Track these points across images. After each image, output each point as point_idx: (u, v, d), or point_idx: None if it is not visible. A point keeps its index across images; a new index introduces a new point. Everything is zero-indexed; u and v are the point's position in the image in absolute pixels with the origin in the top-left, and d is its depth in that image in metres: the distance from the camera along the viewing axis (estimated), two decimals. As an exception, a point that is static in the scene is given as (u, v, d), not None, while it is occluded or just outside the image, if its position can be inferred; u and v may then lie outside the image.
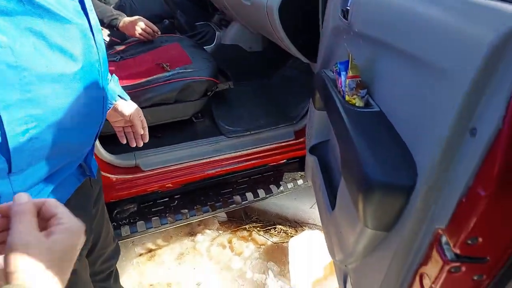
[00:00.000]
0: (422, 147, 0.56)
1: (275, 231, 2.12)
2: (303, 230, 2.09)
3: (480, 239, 0.48)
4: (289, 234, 2.10)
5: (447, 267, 0.52)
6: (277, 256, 1.97)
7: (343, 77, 0.84)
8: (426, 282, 0.59)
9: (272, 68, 2.16)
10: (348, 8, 0.95)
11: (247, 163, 1.69)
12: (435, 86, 0.52)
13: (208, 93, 1.64)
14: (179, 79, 1.52)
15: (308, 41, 1.49)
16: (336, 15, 1.07)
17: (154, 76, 1.49)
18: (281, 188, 1.79)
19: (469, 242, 0.48)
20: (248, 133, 1.70)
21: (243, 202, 1.70)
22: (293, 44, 1.54)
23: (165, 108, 1.51)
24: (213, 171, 1.63)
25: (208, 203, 1.64)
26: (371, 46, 0.82)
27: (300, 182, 1.84)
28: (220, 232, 2.09)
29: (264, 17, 1.56)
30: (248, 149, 1.67)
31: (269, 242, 2.04)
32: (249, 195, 1.72)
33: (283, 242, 2.04)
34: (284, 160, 1.85)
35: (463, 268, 0.52)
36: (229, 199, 1.69)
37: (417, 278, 0.61)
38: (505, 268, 0.51)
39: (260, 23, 1.67)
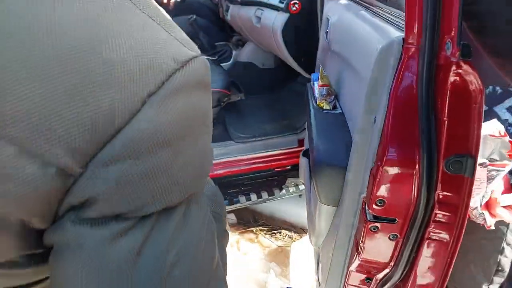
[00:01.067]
0: (353, 136, 0.72)
1: (280, 235, 2.26)
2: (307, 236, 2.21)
3: (386, 202, 0.63)
4: (293, 238, 2.23)
5: (368, 226, 0.67)
6: (280, 258, 2.10)
7: (315, 86, 1.02)
8: (359, 244, 0.73)
9: (282, 83, 2.36)
10: (327, 30, 1.14)
11: (253, 166, 1.87)
12: (358, 87, 0.69)
13: (221, 103, 1.86)
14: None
15: (308, 58, 1.68)
16: (324, 37, 1.26)
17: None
18: (283, 191, 1.95)
19: (378, 203, 0.64)
20: (255, 139, 1.89)
21: (247, 202, 1.87)
22: (295, 61, 1.74)
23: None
24: (221, 171, 1.82)
25: (217, 200, 1.82)
26: (339, 60, 1.00)
27: (302, 187, 1.99)
28: (229, 232, 2.25)
29: (271, 37, 1.77)
30: (254, 153, 1.85)
31: (273, 245, 2.18)
32: (253, 196, 1.89)
33: (287, 246, 2.17)
34: (288, 167, 2.01)
35: (380, 227, 0.67)
36: (235, 198, 1.86)
37: (353, 243, 0.76)
38: (414, 229, 0.64)
39: (268, 42, 1.89)
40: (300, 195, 2.33)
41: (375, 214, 0.66)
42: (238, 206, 1.89)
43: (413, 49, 0.50)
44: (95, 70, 0.24)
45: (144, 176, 0.27)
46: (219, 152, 1.83)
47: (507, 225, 0.75)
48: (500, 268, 0.79)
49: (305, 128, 1.99)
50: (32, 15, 0.23)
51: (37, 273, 0.32)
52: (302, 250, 2.02)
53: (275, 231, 2.27)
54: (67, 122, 0.23)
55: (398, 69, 0.52)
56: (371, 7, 0.86)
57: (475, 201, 0.58)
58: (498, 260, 0.77)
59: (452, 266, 0.61)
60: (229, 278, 0.40)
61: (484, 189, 0.58)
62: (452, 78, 0.45)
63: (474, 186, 0.52)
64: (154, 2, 0.31)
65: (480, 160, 0.54)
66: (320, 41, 1.35)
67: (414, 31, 0.48)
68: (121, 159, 0.25)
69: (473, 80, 0.45)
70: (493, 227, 0.61)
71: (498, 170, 0.58)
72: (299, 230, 2.31)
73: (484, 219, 0.60)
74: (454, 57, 0.44)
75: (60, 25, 0.23)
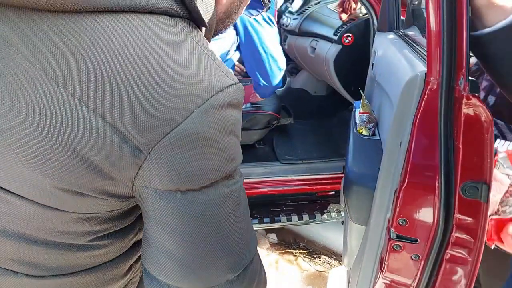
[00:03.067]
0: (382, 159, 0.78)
1: (320, 260, 2.26)
2: (346, 263, 2.18)
3: (408, 222, 0.68)
4: (332, 265, 2.21)
5: (391, 244, 0.72)
6: (317, 283, 2.10)
7: (356, 113, 1.09)
8: (383, 262, 0.77)
9: (332, 111, 2.43)
10: (373, 62, 1.21)
11: (296, 187, 1.94)
12: (390, 112, 0.75)
13: (271, 125, 1.98)
14: (249, 111, 1.90)
15: (357, 88, 1.75)
16: (371, 69, 1.33)
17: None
18: (325, 216, 1.98)
19: (400, 223, 0.68)
20: (301, 161, 1.97)
21: (287, 222, 1.93)
22: (345, 90, 1.82)
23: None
24: (266, 189, 1.92)
25: (258, 217, 1.91)
26: (380, 91, 1.06)
27: (344, 214, 2.00)
28: (269, 252, 2.31)
29: (323, 66, 1.88)
30: (299, 176, 1.93)
31: (312, 269, 2.19)
32: (294, 217, 1.94)
33: (325, 271, 2.16)
34: (332, 192, 2.04)
35: (403, 246, 0.71)
36: (276, 217, 1.94)
37: (378, 261, 0.79)
38: (434, 250, 0.68)
39: (321, 71, 1.99)
40: (342, 222, 2.32)
41: (398, 234, 0.70)
42: (278, 224, 1.95)
43: (433, 83, 0.57)
44: (168, 87, 0.37)
45: (188, 160, 0.38)
46: (264, 171, 1.94)
47: None
48: None
49: (351, 155, 2.03)
50: (150, 63, 0.37)
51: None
52: (341, 277, 2.00)
53: (315, 256, 2.27)
54: (148, 118, 0.36)
55: (420, 100, 0.59)
56: (413, 43, 0.93)
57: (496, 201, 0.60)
58: None
59: (471, 290, 0.62)
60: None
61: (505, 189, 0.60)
62: (464, 110, 0.51)
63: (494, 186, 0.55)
64: (209, 43, 0.44)
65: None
66: (368, 73, 1.43)
67: (434, 68, 0.55)
68: (173, 147, 0.37)
69: (482, 112, 0.50)
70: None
71: None
72: (339, 257, 2.28)
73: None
74: (465, 91, 0.49)
75: (159, 62, 0.37)
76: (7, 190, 0.39)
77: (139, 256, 0.56)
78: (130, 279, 0.56)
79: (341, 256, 2.35)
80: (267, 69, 1.52)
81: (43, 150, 0.36)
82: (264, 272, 0.51)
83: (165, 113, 0.36)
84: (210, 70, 0.40)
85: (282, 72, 1.60)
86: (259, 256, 0.49)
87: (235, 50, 1.59)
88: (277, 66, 1.56)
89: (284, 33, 2.39)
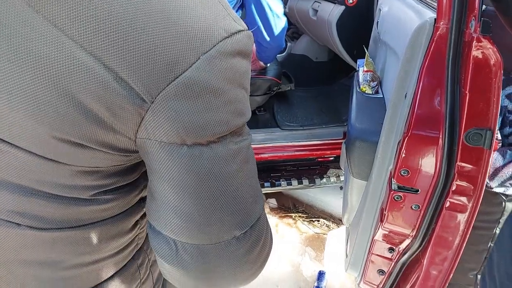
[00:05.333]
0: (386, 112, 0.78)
1: (318, 223, 2.32)
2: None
3: (410, 172, 0.69)
4: (331, 228, 2.28)
5: (392, 195, 0.73)
6: (316, 244, 2.16)
7: (360, 71, 1.08)
8: (383, 213, 0.79)
9: (333, 77, 2.40)
10: (378, 20, 1.19)
11: (297, 153, 1.96)
12: (395, 68, 0.74)
13: (271, 91, 1.97)
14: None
15: (360, 52, 1.72)
16: (375, 28, 1.30)
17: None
18: (324, 180, 2.01)
19: (402, 173, 0.69)
20: (301, 128, 1.97)
21: (287, 186, 1.96)
22: (347, 53, 1.79)
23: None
24: (266, 155, 1.93)
25: (259, 181, 1.94)
26: (385, 49, 1.05)
27: (343, 178, 2.03)
28: (269, 216, 2.36)
29: (325, 29, 1.83)
30: (299, 141, 1.94)
31: (310, 232, 2.25)
32: (294, 182, 1.97)
33: (323, 234, 2.22)
34: (331, 157, 2.06)
35: (403, 197, 0.72)
36: (277, 181, 1.97)
37: (379, 213, 0.82)
38: (434, 199, 0.69)
39: (322, 35, 1.95)
40: (341, 187, 2.36)
41: (399, 184, 0.71)
42: (279, 189, 1.99)
43: (443, 28, 0.56)
44: (172, 30, 0.34)
45: (194, 111, 0.36)
46: (265, 137, 1.95)
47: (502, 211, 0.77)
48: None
49: (351, 121, 2.03)
50: (153, 4, 0.35)
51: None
52: (339, 238, 2.07)
53: (314, 219, 2.33)
54: (150, 63, 0.34)
55: (428, 47, 0.58)
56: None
57: None
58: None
59: (467, 237, 0.64)
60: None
61: None
62: (473, 52, 0.50)
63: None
64: None
65: None
66: (372, 33, 1.40)
67: (445, 12, 0.54)
68: (178, 97, 0.35)
69: (492, 55, 0.49)
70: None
71: None
72: (337, 220, 2.34)
73: None
74: (476, 32, 0.49)
75: (163, 4, 0.35)
76: (4, 140, 0.37)
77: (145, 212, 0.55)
78: (137, 235, 0.56)
79: (339, 220, 2.41)
80: (272, 26, 1.49)
81: (37, 95, 0.34)
82: (271, 232, 0.50)
83: (169, 58, 0.34)
84: (218, 14, 0.38)
85: (284, 33, 1.58)
86: (266, 216, 0.49)
87: (236, 11, 1.55)
88: (281, 25, 1.53)
89: (285, -4, 2.32)
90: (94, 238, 0.48)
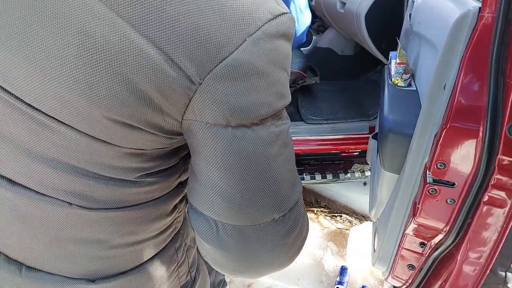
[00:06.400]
0: (422, 104, 0.77)
1: (341, 219, 2.30)
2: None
3: (446, 165, 0.68)
4: (353, 223, 2.26)
5: (426, 189, 0.72)
6: (338, 239, 2.15)
7: (392, 64, 1.06)
8: (416, 207, 0.78)
9: (360, 71, 2.36)
10: (411, 12, 1.16)
11: (321, 147, 1.94)
12: (432, 60, 0.73)
13: (296, 84, 1.96)
14: (274, 69, 1.88)
15: (388, 45, 1.68)
16: (407, 20, 1.27)
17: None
18: (348, 175, 1.99)
19: (439, 166, 0.68)
20: (326, 122, 1.96)
21: (311, 180, 1.95)
22: (375, 47, 1.75)
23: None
24: (290, 148, 1.93)
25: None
26: (418, 41, 1.02)
27: (367, 173, 2.00)
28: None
29: (353, 22, 1.80)
30: (323, 135, 1.92)
31: (333, 227, 2.24)
32: (318, 176, 1.96)
33: (346, 229, 2.21)
34: (356, 152, 2.03)
35: (438, 190, 0.71)
36: (300, 175, 1.96)
37: (411, 207, 0.81)
38: (471, 193, 0.68)
39: (350, 28, 1.92)
40: (364, 183, 2.33)
41: (435, 177, 0.70)
42: (302, 183, 1.99)
43: (487, 17, 0.54)
44: (220, 12, 0.35)
45: (241, 93, 0.37)
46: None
47: None
48: None
49: (377, 116, 1.99)
50: None
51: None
52: (361, 234, 2.05)
53: (336, 215, 2.32)
54: (199, 46, 0.35)
55: (471, 37, 0.56)
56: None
57: None
58: None
59: (506, 233, 0.63)
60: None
61: None
62: (522, 42, 0.49)
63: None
64: None
65: None
66: (404, 25, 1.37)
67: (491, 0, 0.52)
68: (225, 79, 0.36)
69: (542, 44, 0.47)
70: None
71: None
72: (360, 216, 2.32)
73: None
74: (525, 21, 0.47)
75: None
76: (58, 120, 0.38)
77: (183, 196, 0.57)
78: (175, 218, 0.58)
79: (362, 216, 2.38)
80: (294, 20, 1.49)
81: (90, 75, 0.35)
82: (307, 218, 0.50)
83: (217, 41, 0.35)
84: None
85: (307, 29, 1.57)
86: (303, 201, 0.49)
87: None
88: (304, 21, 1.52)
89: (312, -12, 2.29)
90: (137, 219, 0.50)
